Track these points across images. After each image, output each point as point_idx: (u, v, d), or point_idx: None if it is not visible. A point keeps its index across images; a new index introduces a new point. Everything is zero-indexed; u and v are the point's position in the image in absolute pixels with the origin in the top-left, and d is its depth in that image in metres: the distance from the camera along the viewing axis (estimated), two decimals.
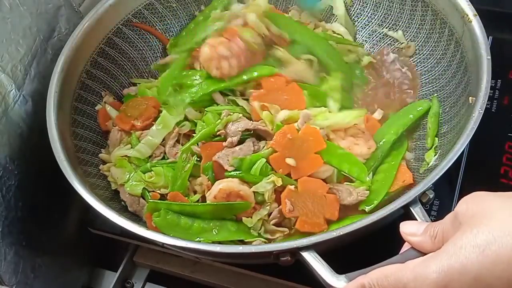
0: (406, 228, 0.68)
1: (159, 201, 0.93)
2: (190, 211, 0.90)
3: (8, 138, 0.91)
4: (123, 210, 0.94)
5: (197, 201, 0.94)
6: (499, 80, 1.11)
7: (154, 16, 1.17)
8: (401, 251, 0.69)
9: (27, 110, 0.96)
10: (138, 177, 0.97)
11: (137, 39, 1.15)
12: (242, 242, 0.89)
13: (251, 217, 0.90)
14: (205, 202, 0.92)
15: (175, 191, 0.94)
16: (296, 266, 0.76)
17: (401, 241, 0.69)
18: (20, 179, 0.93)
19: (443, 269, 0.57)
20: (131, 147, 1.01)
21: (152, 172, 0.97)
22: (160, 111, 1.02)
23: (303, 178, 0.91)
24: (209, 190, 0.92)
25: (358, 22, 1.16)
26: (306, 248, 0.74)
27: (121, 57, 1.14)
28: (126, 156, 1.00)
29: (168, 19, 1.18)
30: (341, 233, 0.75)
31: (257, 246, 0.82)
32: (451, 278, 0.57)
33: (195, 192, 0.95)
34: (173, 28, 1.19)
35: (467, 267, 0.56)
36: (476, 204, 0.61)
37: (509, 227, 0.56)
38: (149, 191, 0.96)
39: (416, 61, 1.09)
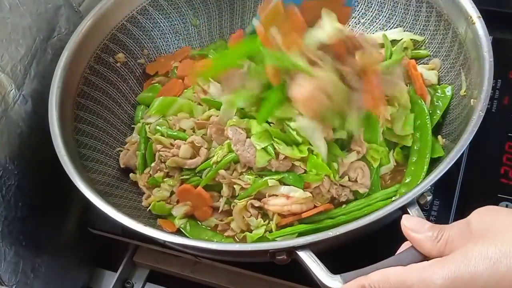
0: (408, 222, 0.66)
1: None
2: None
3: (8, 138, 0.92)
4: (122, 206, 0.95)
5: None
6: (499, 80, 1.11)
7: (159, 13, 1.17)
8: (398, 252, 0.68)
9: (27, 110, 0.96)
10: None
11: (141, 35, 1.16)
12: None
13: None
14: None
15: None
16: (297, 266, 0.76)
17: (398, 243, 0.69)
18: (20, 179, 0.93)
19: (450, 276, 0.57)
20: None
21: None
22: None
23: None
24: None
25: (362, 23, 1.16)
26: (302, 247, 0.74)
27: (125, 53, 1.14)
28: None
29: (173, 15, 1.19)
30: (338, 233, 0.75)
31: (253, 244, 0.83)
32: (457, 286, 0.56)
33: None
34: (178, 25, 1.19)
35: (475, 278, 0.55)
36: (491, 218, 0.60)
37: None
38: None
39: (419, 62, 1.08)
